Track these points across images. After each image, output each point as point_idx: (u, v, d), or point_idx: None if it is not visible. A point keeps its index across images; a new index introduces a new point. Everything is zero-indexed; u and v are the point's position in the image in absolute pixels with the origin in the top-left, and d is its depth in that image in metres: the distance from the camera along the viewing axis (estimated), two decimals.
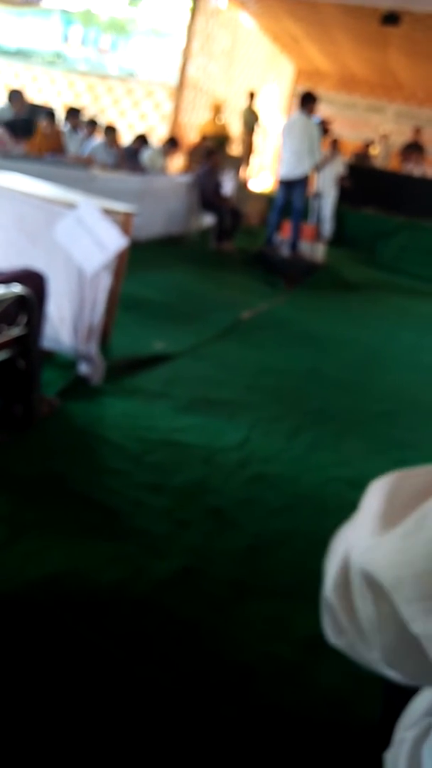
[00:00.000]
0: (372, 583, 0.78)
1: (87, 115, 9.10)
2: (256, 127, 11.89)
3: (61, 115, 8.42)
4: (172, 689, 1.58)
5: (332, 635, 0.80)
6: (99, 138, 8.19)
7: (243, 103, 11.95)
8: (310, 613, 1.93)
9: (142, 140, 8.55)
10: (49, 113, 7.78)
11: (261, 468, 2.76)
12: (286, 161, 7.45)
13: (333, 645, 0.80)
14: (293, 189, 7.53)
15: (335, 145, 10.21)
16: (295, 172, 7.42)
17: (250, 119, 11.77)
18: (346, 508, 2.35)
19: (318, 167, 9.39)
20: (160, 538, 2.16)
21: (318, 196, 9.62)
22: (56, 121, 7.79)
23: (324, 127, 9.17)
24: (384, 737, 0.91)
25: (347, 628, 0.77)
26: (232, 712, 1.55)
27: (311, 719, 1.58)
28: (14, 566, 1.90)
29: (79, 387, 3.12)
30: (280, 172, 7.65)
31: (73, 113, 8.23)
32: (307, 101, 7.34)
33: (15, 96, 7.66)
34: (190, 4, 10.06)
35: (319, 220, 9.75)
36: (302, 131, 7.27)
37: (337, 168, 9.84)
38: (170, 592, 1.92)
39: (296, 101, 7.72)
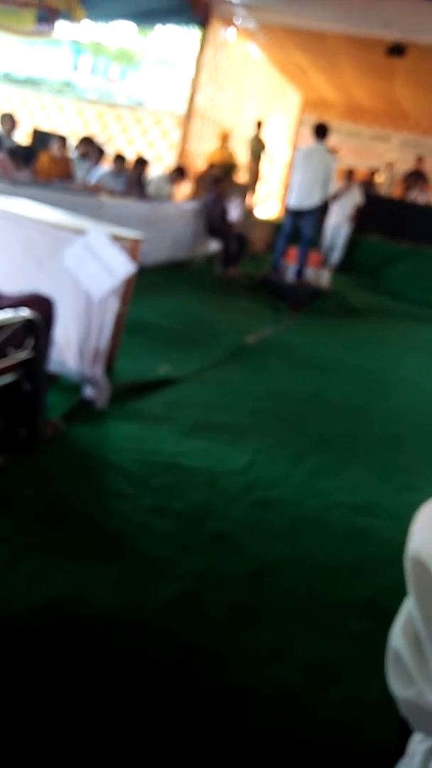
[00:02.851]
0: (417, 562, 0.80)
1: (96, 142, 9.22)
2: (262, 156, 12.02)
3: (72, 142, 8.56)
4: (173, 713, 1.57)
5: (400, 688, 0.80)
6: (107, 166, 8.29)
7: (250, 132, 12.10)
8: (313, 638, 1.94)
9: (142, 163, 8.60)
10: (61, 138, 7.91)
11: (265, 493, 2.77)
12: (297, 190, 7.48)
13: (401, 704, 0.81)
14: (302, 218, 7.57)
15: (351, 175, 10.27)
16: (305, 202, 7.46)
17: (257, 148, 11.91)
18: (350, 533, 2.36)
19: (335, 197, 9.46)
20: (164, 562, 2.16)
21: (335, 226, 9.70)
22: (67, 147, 7.91)
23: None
24: (399, 751, 0.93)
25: (414, 673, 0.78)
26: (233, 737, 1.54)
27: (313, 745, 1.57)
28: (17, 588, 1.90)
29: (83, 410, 3.14)
30: (289, 200, 7.69)
31: (85, 141, 8.37)
32: (324, 132, 7.40)
33: (6, 119, 7.96)
34: (199, 36, 10.23)
35: (330, 248, 9.82)
36: (319, 162, 7.32)
37: (353, 198, 9.88)
38: (173, 616, 1.91)
39: (303, 130, 7.80)
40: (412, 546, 0.84)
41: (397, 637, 0.84)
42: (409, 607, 0.84)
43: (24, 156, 7.57)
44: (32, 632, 1.74)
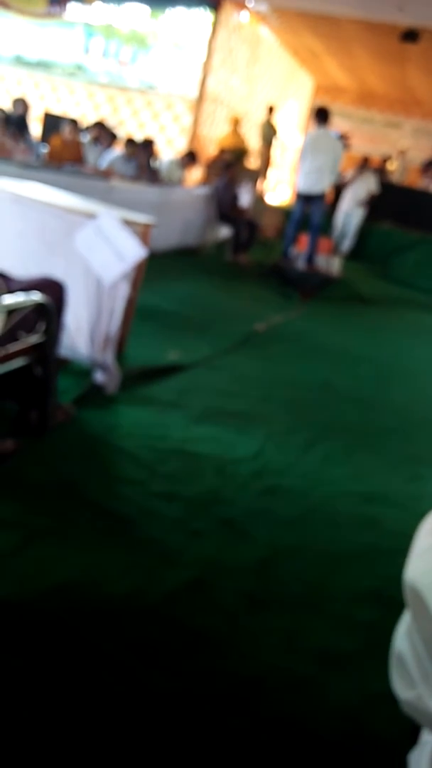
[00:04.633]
0: (414, 592, 0.81)
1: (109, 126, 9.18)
2: (274, 141, 11.94)
3: (82, 126, 8.53)
4: (180, 699, 1.58)
5: (402, 689, 0.82)
6: (118, 150, 8.25)
7: (262, 117, 12.02)
8: (320, 627, 1.95)
9: (149, 145, 8.54)
10: (72, 121, 7.90)
11: (274, 480, 2.77)
12: (306, 175, 7.46)
13: (403, 704, 0.82)
14: (312, 203, 7.55)
15: (366, 162, 10.22)
16: (315, 187, 7.45)
17: (269, 133, 11.83)
18: (358, 522, 2.37)
19: (346, 184, 9.43)
20: (173, 548, 2.17)
21: (346, 213, 9.66)
22: (78, 130, 7.89)
23: (344, 143, 9.19)
24: (413, 739, 0.94)
25: (416, 677, 0.79)
26: (240, 724, 1.55)
27: (320, 732, 1.58)
28: (26, 572, 1.91)
29: (94, 395, 3.14)
30: (299, 185, 7.66)
31: (98, 126, 8.37)
32: (326, 116, 7.38)
33: (18, 103, 8.17)
34: (212, 18, 10.14)
35: (341, 236, 9.78)
36: (328, 147, 7.30)
37: (368, 185, 9.82)
38: (181, 602, 1.92)
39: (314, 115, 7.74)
40: (410, 571, 0.85)
41: (401, 640, 0.85)
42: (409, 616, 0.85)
43: (18, 126, 7.61)
44: (42, 616, 1.76)
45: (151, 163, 8.37)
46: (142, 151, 8.31)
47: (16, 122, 7.72)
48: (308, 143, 7.52)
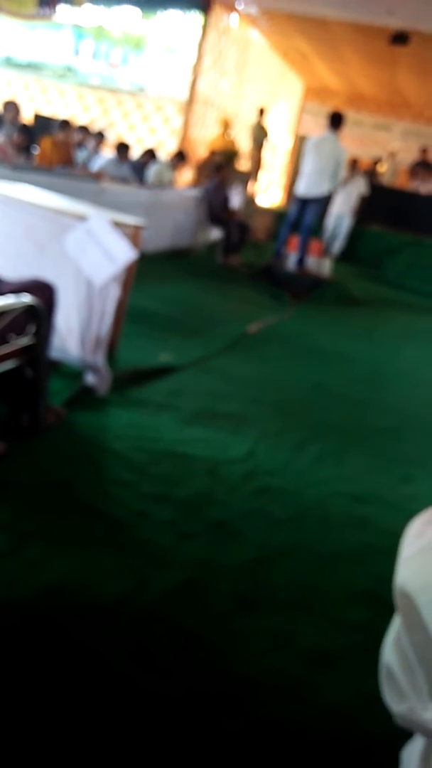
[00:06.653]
0: (404, 595, 0.81)
1: (95, 128, 9.19)
2: (264, 143, 11.96)
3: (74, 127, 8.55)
4: (174, 700, 1.58)
5: (393, 702, 0.82)
6: (109, 153, 8.27)
7: (252, 119, 12.04)
8: (313, 627, 1.95)
9: (150, 155, 8.60)
10: (64, 122, 7.88)
11: (265, 481, 2.77)
12: (307, 178, 7.43)
13: (396, 717, 0.82)
14: (307, 205, 7.54)
15: (355, 164, 10.25)
16: (314, 190, 7.42)
17: (259, 135, 11.85)
18: (350, 522, 2.37)
19: (337, 186, 9.47)
20: (165, 550, 2.16)
21: (338, 216, 9.69)
22: (69, 132, 7.88)
23: None
24: (406, 738, 0.94)
25: (406, 690, 0.79)
26: (234, 725, 1.55)
27: (313, 733, 1.58)
28: (18, 575, 1.90)
29: (85, 397, 3.14)
30: (298, 187, 7.63)
31: (81, 130, 8.40)
32: (339, 122, 7.35)
33: (10, 106, 8.07)
34: (202, 21, 10.16)
35: (332, 238, 9.80)
36: (331, 151, 7.29)
37: (358, 188, 9.85)
38: (174, 604, 1.92)
39: (305, 118, 7.75)
40: (399, 576, 0.85)
41: (389, 652, 0.85)
42: (398, 624, 0.85)
43: (23, 134, 7.58)
44: (34, 618, 1.75)
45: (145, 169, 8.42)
46: (142, 157, 8.38)
47: (20, 130, 7.64)
48: (310, 147, 7.50)
